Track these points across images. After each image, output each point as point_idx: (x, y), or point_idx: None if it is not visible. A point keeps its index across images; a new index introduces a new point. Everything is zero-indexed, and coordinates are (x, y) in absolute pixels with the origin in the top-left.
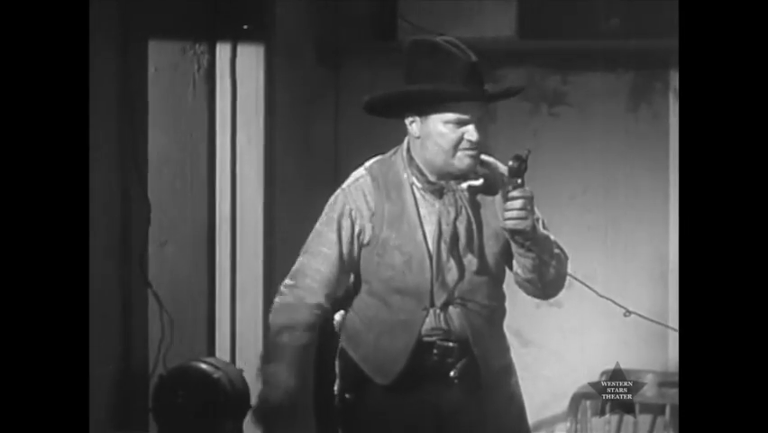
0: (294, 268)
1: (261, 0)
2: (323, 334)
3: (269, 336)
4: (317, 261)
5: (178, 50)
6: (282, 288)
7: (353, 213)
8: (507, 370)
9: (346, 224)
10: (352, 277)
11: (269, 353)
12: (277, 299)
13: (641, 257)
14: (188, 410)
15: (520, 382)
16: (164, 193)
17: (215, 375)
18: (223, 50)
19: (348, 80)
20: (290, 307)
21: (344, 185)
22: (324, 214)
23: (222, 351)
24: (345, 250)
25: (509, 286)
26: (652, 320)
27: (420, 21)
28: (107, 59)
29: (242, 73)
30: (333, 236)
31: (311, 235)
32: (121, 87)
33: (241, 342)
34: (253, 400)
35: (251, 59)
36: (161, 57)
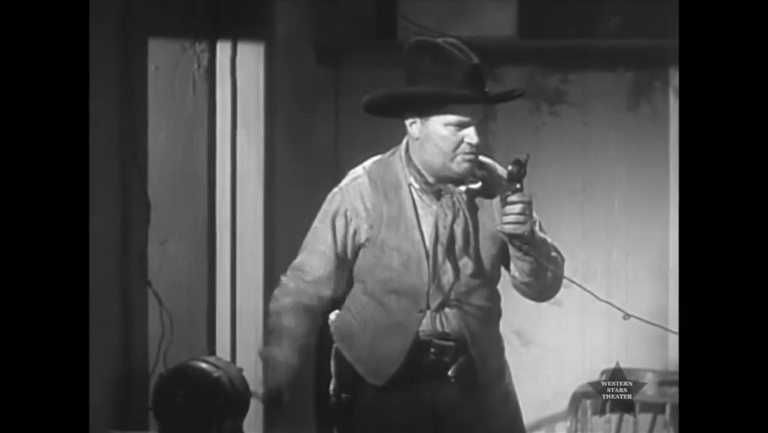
0: (293, 264)
1: (261, 0)
2: (320, 333)
3: (269, 320)
4: (314, 257)
5: (178, 48)
6: (282, 279)
7: (348, 213)
8: (503, 370)
9: (341, 223)
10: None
11: (270, 335)
12: (276, 290)
13: (641, 257)
14: (188, 410)
15: (521, 381)
16: (164, 193)
17: (215, 374)
18: (223, 49)
19: (348, 80)
20: (290, 292)
21: (342, 184)
22: (320, 211)
23: (222, 350)
24: (340, 249)
25: (509, 286)
26: (651, 323)
27: (420, 20)
28: (108, 58)
29: (242, 72)
30: (329, 235)
31: (309, 233)
32: (121, 86)
33: (241, 341)
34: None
35: (252, 58)
36: (162, 55)
